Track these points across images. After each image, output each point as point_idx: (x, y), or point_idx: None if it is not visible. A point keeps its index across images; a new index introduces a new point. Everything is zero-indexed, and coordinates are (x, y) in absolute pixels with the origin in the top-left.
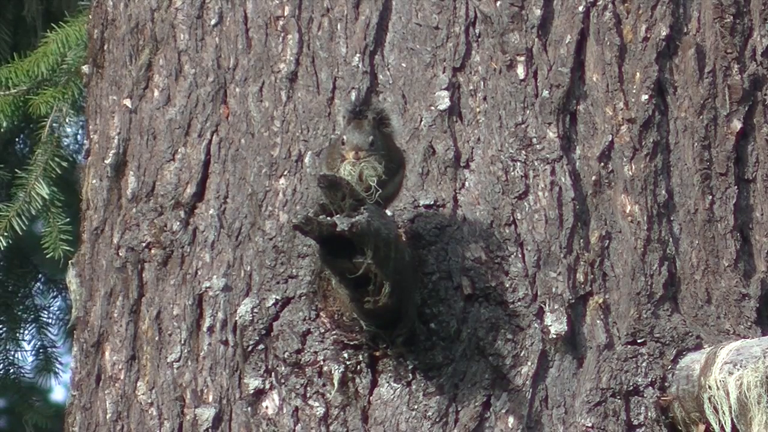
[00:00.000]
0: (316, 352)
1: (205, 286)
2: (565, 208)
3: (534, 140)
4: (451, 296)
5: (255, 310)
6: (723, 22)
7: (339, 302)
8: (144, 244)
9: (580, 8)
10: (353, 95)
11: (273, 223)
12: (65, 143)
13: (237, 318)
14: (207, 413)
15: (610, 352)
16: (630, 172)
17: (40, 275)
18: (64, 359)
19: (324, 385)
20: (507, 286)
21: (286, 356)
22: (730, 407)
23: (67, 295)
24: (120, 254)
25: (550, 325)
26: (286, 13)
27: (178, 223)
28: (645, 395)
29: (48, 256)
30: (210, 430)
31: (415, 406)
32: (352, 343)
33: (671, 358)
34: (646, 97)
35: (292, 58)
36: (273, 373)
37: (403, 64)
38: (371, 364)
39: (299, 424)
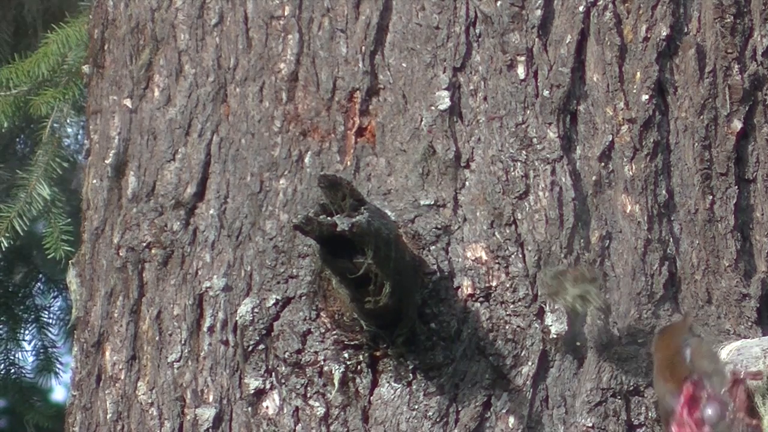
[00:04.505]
0: (316, 352)
1: (205, 286)
2: (565, 208)
3: (534, 140)
4: (452, 296)
5: (255, 310)
6: (723, 22)
7: (339, 302)
8: (144, 244)
9: (581, 8)
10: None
11: (273, 223)
12: (66, 144)
13: (237, 318)
14: (207, 413)
15: (610, 352)
16: (630, 172)
17: (40, 275)
18: (65, 359)
19: (324, 385)
20: (507, 286)
21: (286, 356)
22: None
23: (68, 295)
24: (120, 254)
25: (551, 325)
26: (286, 13)
27: (178, 223)
28: (646, 395)
29: (49, 257)
30: (210, 430)
31: (416, 406)
32: (352, 343)
33: None
34: (647, 97)
35: (292, 58)
36: (273, 373)
37: (404, 64)
38: (372, 364)
39: (300, 424)
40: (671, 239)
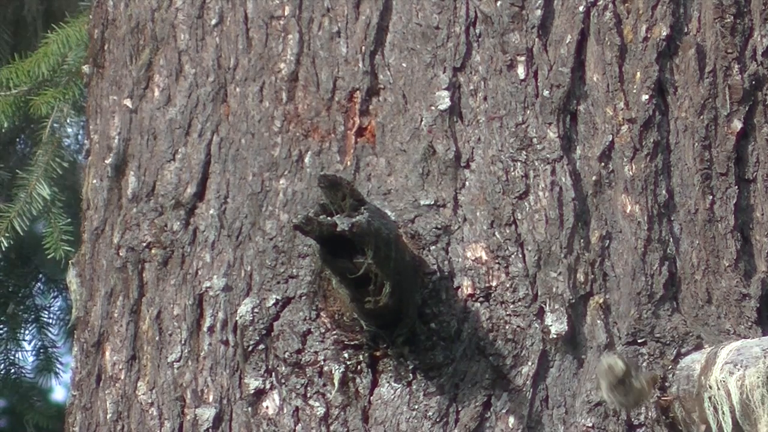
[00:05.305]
0: (316, 352)
1: (205, 286)
2: (565, 208)
3: (534, 140)
4: (452, 296)
5: (255, 310)
6: (723, 22)
7: (339, 302)
8: (144, 244)
9: (581, 8)
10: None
11: (273, 223)
12: (66, 144)
13: (237, 318)
14: (207, 413)
15: (610, 352)
16: (630, 172)
17: (40, 275)
18: (65, 359)
19: (324, 385)
20: (507, 286)
21: (286, 356)
22: (731, 407)
23: (68, 295)
24: (120, 254)
25: (551, 325)
26: (286, 13)
27: (178, 223)
28: None
29: (49, 257)
30: (210, 430)
31: (416, 406)
32: (352, 343)
33: (672, 358)
34: (647, 97)
35: (292, 58)
36: (273, 373)
37: (404, 64)
38: (372, 364)
39: (300, 424)
40: (671, 239)
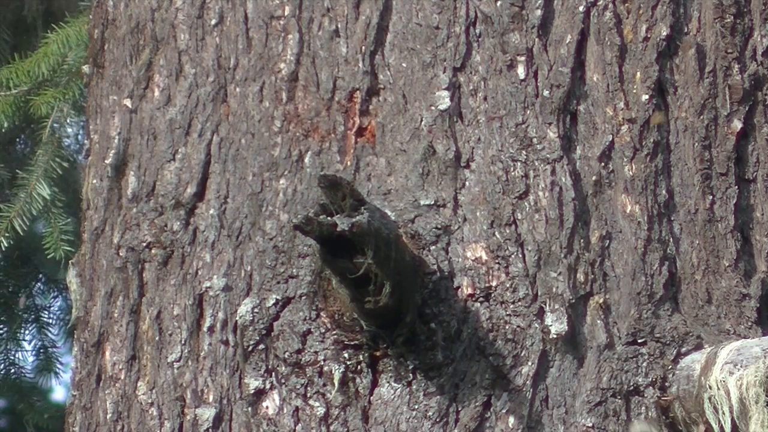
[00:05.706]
0: (316, 352)
1: (205, 286)
2: (565, 208)
3: (534, 140)
4: (451, 296)
5: (255, 310)
6: (723, 22)
7: (339, 302)
8: (144, 244)
9: (581, 8)
10: None
11: (273, 223)
12: (66, 144)
13: (237, 318)
14: (207, 413)
15: (610, 352)
16: (630, 172)
17: (40, 275)
18: (65, 359)
19: (324, 385)
20: (507, 286)
21: (286, 356)
22: (731, 407)
23: (68, 295)
24: (120, 254)
25: (551, 325)
26: (286, 13)
27: (178, 223)
28: (645, 395)
29: (49, 257)
30: (210, 430)
31: (416, 406)
32: (352, 343)
33: (672, 358)
34: (647, 97)
35: (292, 58)
36: (273, 373)
37: (404, 64)
38: (372, 364)
39: (300, 424)
40: (671, 239)
